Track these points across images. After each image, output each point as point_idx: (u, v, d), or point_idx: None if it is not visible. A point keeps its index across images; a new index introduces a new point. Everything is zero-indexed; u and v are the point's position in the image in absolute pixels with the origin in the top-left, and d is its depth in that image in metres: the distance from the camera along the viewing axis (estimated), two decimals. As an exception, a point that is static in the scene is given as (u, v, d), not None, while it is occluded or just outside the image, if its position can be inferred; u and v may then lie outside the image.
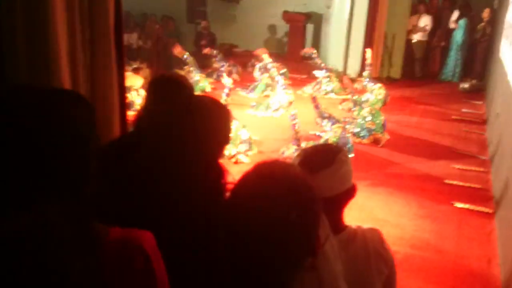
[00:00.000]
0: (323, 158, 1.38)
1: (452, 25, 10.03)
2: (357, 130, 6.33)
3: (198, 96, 1.89)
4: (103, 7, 2.49)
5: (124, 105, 2.76)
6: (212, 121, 1.51)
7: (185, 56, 8.38)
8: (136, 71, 7.96)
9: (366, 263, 1.43)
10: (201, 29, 11.00)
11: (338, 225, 1.41)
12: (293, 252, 0.95)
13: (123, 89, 2.71)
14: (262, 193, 0.94)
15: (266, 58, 8.56)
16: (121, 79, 2.68)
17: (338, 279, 1.24)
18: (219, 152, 1.57)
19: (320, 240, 1.24)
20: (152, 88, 1.98)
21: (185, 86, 1.95)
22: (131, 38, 10.88)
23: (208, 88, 8.59)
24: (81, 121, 1.06)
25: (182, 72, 8.94)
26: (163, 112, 1.58)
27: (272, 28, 12.51)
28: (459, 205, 4.55)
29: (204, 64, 9.90)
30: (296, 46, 11.36)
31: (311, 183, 1.00)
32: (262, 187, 0.95)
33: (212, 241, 1.04)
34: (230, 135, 1.63)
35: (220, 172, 1.48)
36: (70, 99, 1.09)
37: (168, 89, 1.91)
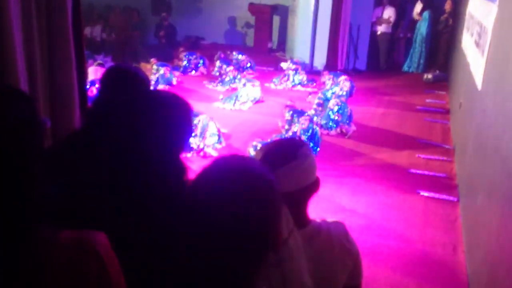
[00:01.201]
0: (285, 153, 1.36)
1: (415, 17, 10.21)
2: (324, 122, 6.36)
3: (156, 89, 1.83)
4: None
5: (85, 99, 2.67)
6: (171, 116, 1.46)
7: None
8: (101, 65, 7.76)
9: (331, 257, 1.43)
10: (160, 21, 10.82)
11: (302, 220, 1.39)
12: (254, 246, 0.93)
13: (83, 82, 2.61)
14: (220, 188, 0.93)
15: (233, 52, 8.53)
16: (81, 72, 2.58)
17: (303, 275, 1.23)
18: (179, 147, 1.51)
19: (282, 234, 1.22)
20: (106, 80, 1.89)
21: (141, 79, 1.88)
22: (94, 31, 10.61)
23: (174, 81, 8.47)
24: (17, 118, 0.99)
25: (147, 65, 8.81)
26: (118, 105, 1.51)
27: (238, 21, 12.44)
28: (425, 193, 4.64)
29: (170, 57, 9.76)
30: (263, 38, 11.35)
31: (271, 177, 0.98)
32: (220, 181, 0.94)
33: (171, 238, 1.00)
34: (191, 130, 1.58)
35: (181, 169, 1.43)
36: (4, 95, 1.03)
37: (123, 82, 1.83)
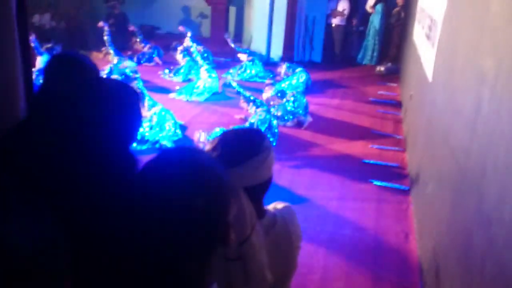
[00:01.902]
0: (248, 147, 1.33)
1: (368, 10, 10.39)
2: (281, 113, 6.39)
3: (104, 78, 1.76)
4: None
5: (31, 89, 2.53)
6: (118, 105, 1.40)
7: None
8: (49, 49, 7.44)
9: (288, 243, 1.45)
10: (109, 9, 10.48)
11: (260, 212, 1.38)
12: (201, 240, 0.91)
13: (29, 72, 2.48)
14: (166, 179, 0.90)
15: (189, 42, 8.40)
16: (27, 61, 2.45)
17: (264, 270, 1.22)
18: (127, 139, 1.46)
19: (244, 230, 1.20)
20: (52, 67, 1.80)
21: (88, 67, 1.79)
22: (43, 19, 10.16)
23: (129, 72, 8.23)
24: None
25: (99, 54, 8.53)
26: (63, 94, 1.43)
27: (194, 11, 12.26)
28: (378, 183, 4.75)
29: (124, 46, 9.49)
30: (219, 29, 11.23)
31: (219, 169, 0.96)
32: (166, 173, 0.91)
33: (117, 231, 0.96)
34: (140, 121, 1.52)
35: (130, 161, 1.38)
36: None
37: (69, 69, 1.74)
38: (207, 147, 1.35)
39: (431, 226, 3.25)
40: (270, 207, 1.50)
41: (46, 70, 1.80)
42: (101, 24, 8.42)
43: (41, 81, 1.80)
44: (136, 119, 1.49)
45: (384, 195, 4.56)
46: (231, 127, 5.63)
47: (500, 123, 1.89)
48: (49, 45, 7.87)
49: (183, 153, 0.97)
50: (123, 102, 1.42)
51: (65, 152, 1.29)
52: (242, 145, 1.34)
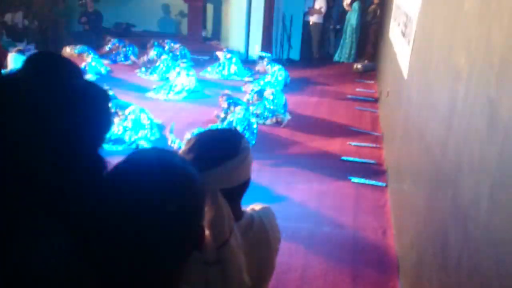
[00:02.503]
0: (226, 148, 1.30)
1: (346, 8, 10.46)
2: (260, 111, 6.38)
3: (76, 78, 1.70)
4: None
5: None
6: (89, 106, 1.36)
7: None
8: (21, 52, 7.27)
9: (267, 245, 1.43)
10: (81, 6, 10.30)
11: (238, 213, 1.36)
12: (174, 245, 0.88)
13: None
14: (136, 181, 0.86)
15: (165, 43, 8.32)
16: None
17: (242, 274, 1.21)
18: (95, 141, 1.41)
19: (224, 234, 1.18)
20: (27, 65, 1.73)
21: (65, 66, 1.74)
22: (16, 17, 9.93)
23: (104, 71, 8.12)
24: None
25: (74, 54, 8.37)
26: (34, 90, 1.38)
27: (171, 8, 12.15)
28: (356, 180, 4.78)
29: (98, 45, 9.35)
30: (196, 26, 11.17)
31: (192, 171, 0.93)
32: (136, 177, 0.87)
33: (84, 234, 0.93)
34: (109, 122, 1.48)
35: (99, 163, 1.34)
36: None
37: (44, 68, 1.69)
38: (183, 148, 1.32)
39: (408, 221, 3.28)
40: (248, 208, 1.48)
41: (23, 67, 1.73)
42: (84, 20, 8.27)
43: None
44: (104, 119, 1.44)
45: (362, 192, 4.59)
46: (209, 126, 5.60)
47: (475, 119, 1.91)
48: (20, 47, 7.69)
49: (154, 155, 0.94)
50: (91, 101, 1.38)
51: (30, 151, 1.24)
52: (219, 146, 1.31)
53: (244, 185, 1.34)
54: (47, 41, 9.26)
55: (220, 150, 1.29)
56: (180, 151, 1.30)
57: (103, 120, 1.40)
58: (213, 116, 6.18)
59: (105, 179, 0.92)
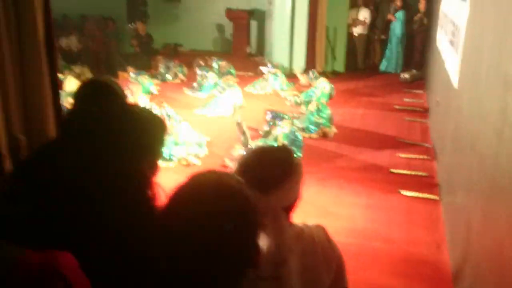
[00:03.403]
0: (283, 168, 1.33)
1: (390, 18, 10.32)
2: (305, 125, 6.38)
3: (130, 104, 1.80)
4: (30, 9, 2.34)
5: (60, 112, 2.62)
6: (143, 131, 1.43)
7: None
8: (78, 76, 7.67)
9: (314, 259, 1.43)
10: (132, 30, 10.73)
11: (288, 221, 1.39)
12: (231, 263, 0.92)
13: (57, 95, 2.56)
14: (196, 206, 0.91)
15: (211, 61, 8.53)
16: (55, 84, 2.53)
17: None
18: (148, 165, 1.49)
19: (259, 249, 1.22)
20: (81, 93, 1.86)
21: (116, 92, 1.85)
22: (70, 42, 10.49)
23: (154, 90, 8.40)
24: None
25: (125, 74, 8.73)
26: (92, 118, 1.48)
27: (216, 26, 12.42)
28: (406, 193, 4.67)
29: (147, 66, 9.69)
30: (241, 44, 11.35)
31: (247, 193, 0.97)
32: (196, 199, 0.92)
33: (145, 256, 0.99)
34: (161, 148, 1.56)
35: (149, 185, 1.41)
36: None
37: (97, 95, 1.80)
38: (238, 168, 1.35)
39: (463, 236, 3.18)
40: (300, 223, 1.49)
41: (77, 95, 1.86)
42: (135, 43, 8.63)
43: (71, 104, 1.86)
44: (160, 144, 1.52)
45: (414, 205, 4.48)
46: (255, 140, 5.64)
47: (528, 129, 1.85)
48: (77, 70, 8.10)
49: (210, 178, 0.99)
50: (150, 128, 1.46)
51: (91, 176, 1.32)
52: (277, 167, 1.33)
53: (295, 202, 1.37)
54: (100, 63, 9.69)
55: (277, 170, 1.32)
56: (235, 171, 1.34)
57: (157, 144, 1.48)
58: (258, 131, 6.24)
59: (168, 200, 0.97)
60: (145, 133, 1.44)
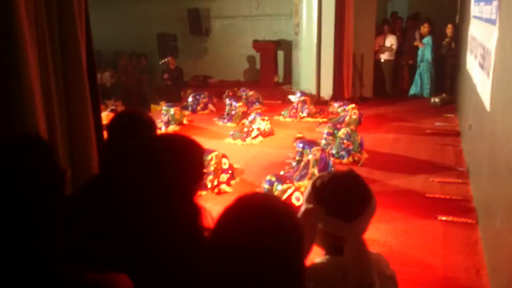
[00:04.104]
0: (361, 196, 1.36)
1: (417, 44, 10.32)
2: (335, 151, 6.39)
3: (166, 133, 1.88)
4: (75, 48, 2.49)
5: (102, 144, 2.73)
6: (182, 158, 1.49)
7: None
8: (114, 111, 7.95)
9: (386, 284, 1.45)
10: (163, 64, 11.08)
11: None
12: (280, 282, 0.96)
13: (100, 129, 2.69)
14: (243, 226, 0.96)
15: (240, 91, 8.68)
16: (97, 118, 2.66)
17: None
18: (192, 189, 1.54)
19: (305, 267, 1.25)
20: (113, 127, 1.92)
21: (147, 124, 1.91)
22: (103, 77, 10.89)
23: (185, 121, 8.59)
24: (35, 167, 1.06)
25: (157, 107, 8.97)
26: (131, 151, 1.55)
27: (244, 57, 12.69)
28: (443, 218, 4.59)
29: (178, 98, 9.95)
30: (269, 73, 11.53)
31: (293, 213, 1.02)
32: (243, 220, 0.97)
33: (196, 280, 1.04)
34: (203, 171, 1.61)
35: (195, 210, 1.46)
36: (21, 145, 1.10)
37: (129, 127, 1.86)
38: (310, 199, 1.36)
39: (503, 260, 3.10)
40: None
41: (110, 128, 1.93)
42: (166, 77, 8.92)
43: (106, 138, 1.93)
44: (200, 169, 1.58)
45: (451, 230, 4.39)
46: (285, 168, 5.66)
47: None
48: (113, 107, 8.39)
49: (258, 198, 1.04)
50: (187, 154, 1.52)
51: (138, 205, 1.39)
52: (356, 194, 1.36)
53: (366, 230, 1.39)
54: (133, 97, 10.00)
55: (358, 199, 1.35)
56: (307, 201, 1.37)
57: (198, 169, 1.54)
58: (289, 158, 6.28)
59: (217, 222, 1.02)
60: (187, 159, 1.50)
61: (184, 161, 1.50)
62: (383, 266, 1.46)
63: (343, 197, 1.34)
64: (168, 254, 1.32)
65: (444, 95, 9.58)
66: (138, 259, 1.31)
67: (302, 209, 1.35)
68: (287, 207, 1.03)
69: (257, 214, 0.98)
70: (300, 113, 8.80)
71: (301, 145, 6.12)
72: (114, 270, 1.09)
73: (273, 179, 5.02)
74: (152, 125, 1.96)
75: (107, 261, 1.21)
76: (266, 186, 5.00)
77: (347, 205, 1.32)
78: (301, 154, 6.04)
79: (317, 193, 1.36)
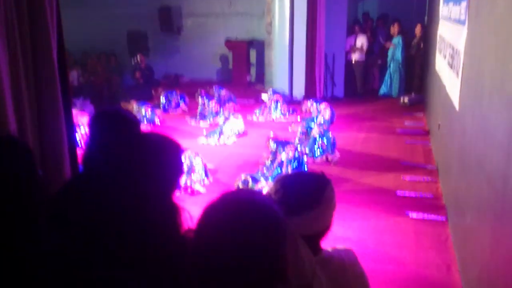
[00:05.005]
0: (310, 195, 1.33)
1: (387, 45, 10.48)
2: (309, 150, 6.42)
3: (146, 131, 1.85)
4: (45, 46, 2.41)
5: (74, 145, 2.67)
6: (162, 156, 1.48)
7: None
8: (80, 108, 7.77)
9: (344, 282, 1.44)
10: (135, 63, 10.93)
11: (316, 248, 1.41)
12: (262, 276, 0.96)
13: (71, 128, 2.62)
14: (232, 224, 0.96)
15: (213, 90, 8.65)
16: (69, 119, 2.59)
17: None
18: (172, 187, 1.53)
19: (287, 262, 1.24)
20: (97, 123, 1.89)
21: (131, 121, 1.89)
22: (71, 76, 10.64)
23: (157, 120, 8.48)
24: (17, 166, 1.04)
25: (128, 106, 8.82)
26: (112, 150, 1.52)
27: (216, 56, 12.63)
28: (414, 215, 4.68)
29: (149, 97, 9.81)
30: (241, 72, 11.53)
31: (277, 208, 1.01)
32: (229, 214, 0.97)
33: (178, 278, 1.02)
34: (182, 169, 1.60)
35: (174, 208, 1.45)
36: (5, 146, 1.07)
37: (114, 124, 1.84)
38: (270, 187, 1.37)
39: (473, 256, 3.18)
40: (329, 248, 1.51)
41: (92, 126, 1.89)
42: (138, 75, 8.79)
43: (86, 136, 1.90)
44: (180, 167, 1.56)
45: (422, 227, 4.48)
46: (260, 167, 5.67)
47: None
48: (78, 103, 8.23)
49: (242, 194, 1.03)
50: (168, 153, 1.50)
51: (119, 205, 1.36)
52: (304, 194, 1.33)
53: (324, 231, 1.38)
54: (102, 96, 9.81)
55: (303, 197, 1.32)
56: (268, 189, 1.37)
57: (178, 168, 1.52)
58: (262, 159, 6.28)
59: (201, 216, 1.01)
60: (169, 158, 1.48)
61: (165, 160, 1.49)
62: (349, 264, 1.45)
63: (286, 193, 1.31)
64: (150, 252, 1.30)
65: (413, 94, 9.77)
66: (119, 258, 1.28)
67: None
68: (271, 203, 1.03)
69: (243, 209, 0.98)
70: (273, 113, 8.82)
71: (274, 144, 6.14)
72: (96, 268, 1.07)
73: (249, 178, 5.01)
74: (136, 123, 1.94)
75: (88, 260, 1.18)
76: (241, 186, 4.99)
77: (286, 201, 1.29)
78: (275, 154, 6.05)
79: (273, 185, 1.36)
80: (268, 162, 6.05)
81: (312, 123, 7.55)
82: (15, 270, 0.98)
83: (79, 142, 6.31)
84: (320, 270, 1.34)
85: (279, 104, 8.93)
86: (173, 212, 1.45)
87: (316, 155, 6.38)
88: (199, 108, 8.84)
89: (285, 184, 1.36)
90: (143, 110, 8.31)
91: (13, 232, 1.00)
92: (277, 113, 8.81)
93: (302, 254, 1.26)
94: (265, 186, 5.20)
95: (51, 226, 1.21)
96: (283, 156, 5.75)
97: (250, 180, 4.99)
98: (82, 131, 6.74)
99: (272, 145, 6.18)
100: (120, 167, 1.45)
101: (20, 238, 1.02)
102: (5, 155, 1.05)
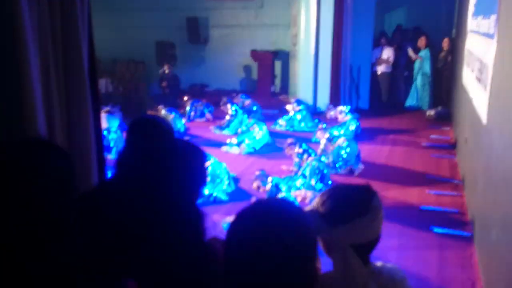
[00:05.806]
0: (357, 205, 1.35)
1: (412, 56, 10.40)
2: (333, 160, 6.39)
3: (177, 139, 1.89)
4: (76, 53, 2.49)
5: (102, 148, 2.73)
6: (190, 163, 1.52)
7: None
8: (109, 113, 7.95)
9: None
10: (162, 72, 11.12)
11: (365, 259, 1.41)
12: (293, 283, 0.97)
13: (99, 131, 2.68)
14: (262, 231, 0.97)
15: (239, 98, 8.72)
16: (98, 125, 2.66)
17: None
18: (196, 194, 1.56)
19: (316, 270, 1.25)
20: (133, 130, 1.96)
21: (165, 128, 1.95)
22: (100, 84, 10.87)
23: (182, 129, 8.59)
24: (58, 171, 1.07)
25: (157, 113, 8.96)
26: (145, 155, 1.57)
27: (241, 67, 12.73)
28: (438, 230, 4.60)
29: (174, 105, 9.95)
30: (266, 82, 11.57)
31: (306, 217, 1.03)
32: (261, 224, 0.98)
33: (208, 281, 1.04)
34: (206, 176, 1.63)
35: (199, 215, 1.48)
36: (45, 149, 1.11)
37: (149, 131, 1.90)
38: (316, 200, 1.38)
39: (499, 273, 3.11)
40: (378, 263, 1.50)
41: (130, 132, 1.96)
42: (164, 84, 8.95)
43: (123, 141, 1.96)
44: (204, 175, 1.60)
45: (446, 243, 4.40)
46: (283, 177, 5.68)
47: None
48: (108, 109, 8.39)
49: (272, 203, 1.05)
50: (195, 160, 1.53)
51: (148, 209, 1.40)
52: (350, 203, 1.35)
53: (372, 242, 1.38)
54: (130, 103, 9.99)
55: (350, 207, 1.34)
56: (314, 203, 1.39)
57: (203, 175, 1.55)
58: (285, 167, 6.29)
59: (231, 225, 1.03)
60: (196, 165, 1.52)
61: (192, 167, 1.53)
62: (400, 280, 1.44)
63: (336, 202, 1.34)
64: (175, 257, 1.32)
65: (439, 108, 9.64)
66: (147, 263, 1.32)
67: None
68: (302, 212, 1.05)
69: (275, 218, 1.00)
70: (297, 123, 8.83)
71: (301, 150, 6.13)
72: (122, 271, 1.10)
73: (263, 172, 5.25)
74: (170, 131, 1.99)
75: (115, 263, 1.21)
76: (258, 182, 5.19)
77: (333, 210, 1.31)
78: (299, 164, 6.05)
79: (320, 196, 1.37)
80: (293, 170, 6.07)
81: (337, 131, 7.51)
82: (47, 269, 1.01)
83: (107, 147, 6.48)
84: (371, 281, 1.35)
85: (303, 114, 8.92)
86: (197, 219, 1.48)
87: (339, 166, 6.34)
88: (226, 116, 8.90)
89: (331, 195, 1.37)
90: (170, 117, 8.43)
91: (47, 232, 1.04)
92: (301, 123, 8.81)
93: (352, 263, 1.27)
94: (287, 193, 5.23)
95: (80, 226, 1.25)
96: (307, 167, 5.73)
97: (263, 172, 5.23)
98: (109, 136, 6.92)
99: (296, 153, 6.16)
100: (151, 173, 1.49)
101: (52, 240, 1.05)
102: (51, 160, 1.09)
